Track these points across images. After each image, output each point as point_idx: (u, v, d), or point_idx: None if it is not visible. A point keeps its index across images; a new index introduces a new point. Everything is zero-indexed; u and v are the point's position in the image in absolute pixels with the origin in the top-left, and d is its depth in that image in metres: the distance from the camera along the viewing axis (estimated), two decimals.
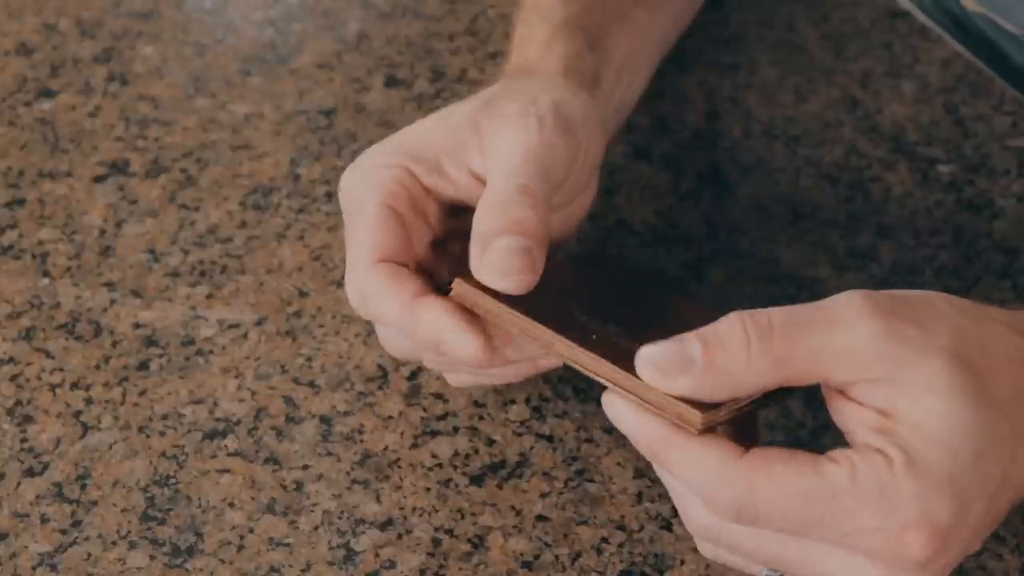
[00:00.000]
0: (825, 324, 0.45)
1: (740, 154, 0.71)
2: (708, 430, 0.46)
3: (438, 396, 0.59)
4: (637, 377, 0.47)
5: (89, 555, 0.53)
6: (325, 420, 0.58)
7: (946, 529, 0.44)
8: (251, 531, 0.54)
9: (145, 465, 0.57)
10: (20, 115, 0.74)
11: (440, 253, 0.55)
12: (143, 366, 0.61)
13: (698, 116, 0.74)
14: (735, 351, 0.45)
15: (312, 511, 0.55)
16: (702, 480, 0.46)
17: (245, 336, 0.62)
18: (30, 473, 0.56)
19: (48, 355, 0.61)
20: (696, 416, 0.46)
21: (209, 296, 0.64)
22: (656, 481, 0.54)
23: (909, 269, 0.65)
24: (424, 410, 0.59)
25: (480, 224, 0.51)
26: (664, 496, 0.54)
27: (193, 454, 0.57)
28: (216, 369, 0.60)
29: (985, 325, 0.47)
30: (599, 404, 0.49)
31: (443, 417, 0.58)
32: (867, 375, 0.45)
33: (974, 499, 0.45)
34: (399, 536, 0.54)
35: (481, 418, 0.58)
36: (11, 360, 0.61)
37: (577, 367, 0.49)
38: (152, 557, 0.53)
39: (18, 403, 0.59)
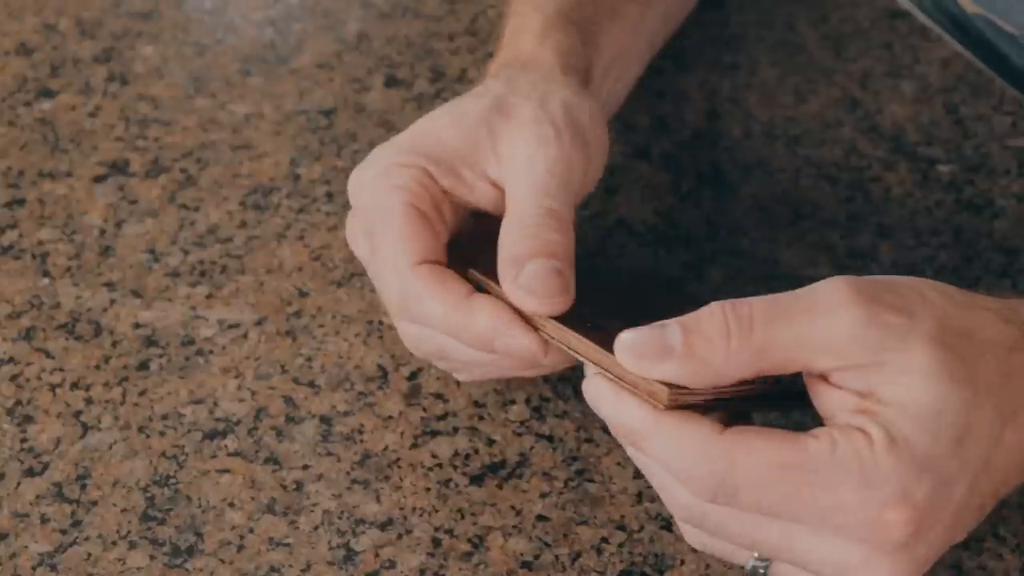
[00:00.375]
0: (806, 313, 0.45)
1: (740, 154, 0.71)
2: (678, 409, 0.46)
3: (438, 396, 0.59)
4: (656, 380, 0.46)
5: (89, 555, 0.53)
6: (325, 420, 0.58)
7: (926, 509, 0.44)
8: (251, 531, 0.54)
9: (145, 465, 0.57)
10: (20, 115, 0.74)
11: (452, 255, 0.55)
12: (143, 366, 0.61)
13: (698, 116, 0.74)
14: (715, 340, 0.45)
15: (312, 511, 0.55)
16: (681, 458, 0.45)
17: (245, 336, 0.62)
18: (30, 473, 0.56)
19: (48, 355, 0.61)
20: (663, 391, 0.46)
21: (209, 296, 0.64)
22: None
23: (909, 269, 0.65)
24: (424, 410, 0.59)
25: (510, 247, 0.51)
26: None
27: (193, 454, 0.57)
28: (216, 369, 0.60)
29: (972, 312, 0.47)
30: None
31: (443, 417, 0.58)
32: (849, 362, 0.45)
33: (955, 481, 0.45)
34: (399, 536, 0.54)
35: (481, 418, 0.58)
36: (11, 360, 0.61)
37: (563, 347, 0.50)
38: (152, 557, 0.53)
39: (18, 403, 0.59)
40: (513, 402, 0.59)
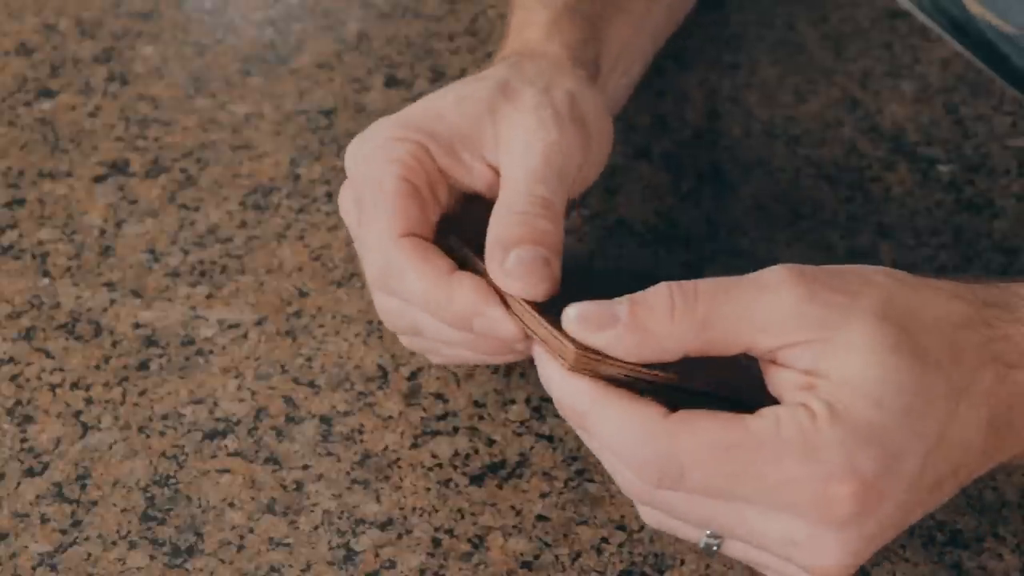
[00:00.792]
0: (750, 292, 0.46)
1: (740, 154, 0.71)
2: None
3: (438, 396, 0.59)
4: (567, 338, 0.47)
5: (89, 555, 0.53)
6: (325, 420, 0.58)
7: (873, 481, 0.44)
8: (251, 531, 0.54)
9: (145, 465, 0.57)
10: (20, 115, 0.74)
11: (444, 232, 0.55)
12: (143, 366, 0.61)
13: (698, 115, 0.74)
14: (659, 312, 0.46)
15: (312, 511, 0.55)
16: (625, 439, 0.45)
17: (245, 336, 0.62)
18: (30, 473, 0.56)
19: (48, 355, 0.61)
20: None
21: (209, 296, 0.64)
22: None
23: (909, 269, 0.64)
24: (424, 410, 0.59)
25: (500, 231, 0.51)
26: None
27: (193, 454, 0.57)
28: (216, 369, 0.60)
29: (920, 291, 0.47)
30: None
31: (443, 417, 0.58)
32: (791, 339, 0.45)
33: (905, 454, 0.44)
34: (399, 536, 0.54)
35: (481, 418, 0.58)
36: (11, 360, 0.61)
37: (522, 323, 0.50)
38: (152, 557, 0.53)
39: (18, 403, 0.59)
40: (513, 402, 0.59)
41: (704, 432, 0.44)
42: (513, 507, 0.55)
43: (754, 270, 0.46)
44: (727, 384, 0.48)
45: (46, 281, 0.65)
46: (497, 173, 0.54)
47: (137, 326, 0.62)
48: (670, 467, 0.45)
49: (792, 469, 0.44)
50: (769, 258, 0.65)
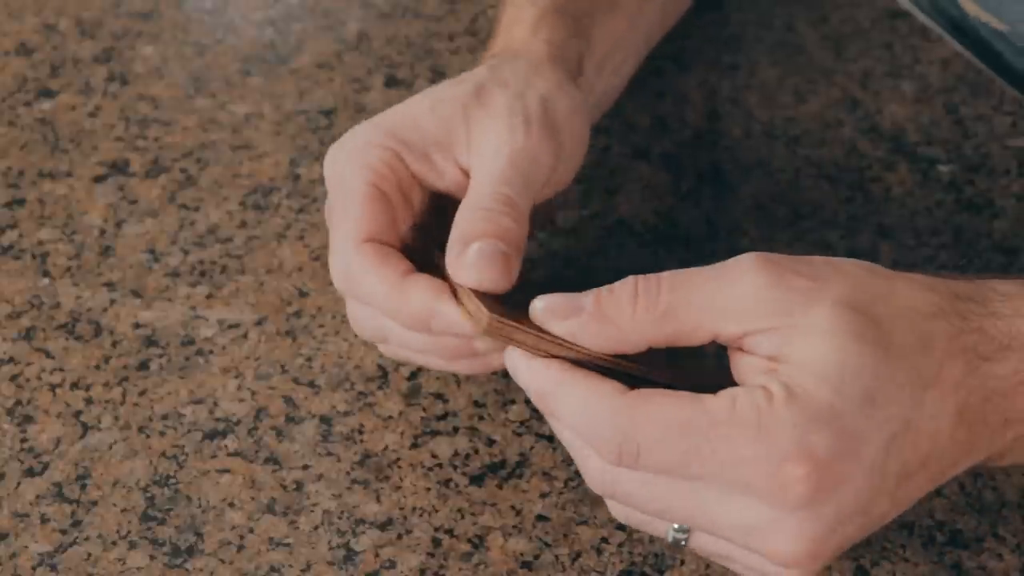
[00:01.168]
0: (714, 280, 0.46)
1: (740, 154, 0.71)
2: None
3: (438, 396, 0.59)
4: (533, 329, 0.48)
5: (89, 555, 0.53)
6: (325, 420, 0.58)
7: (828, 463, 0.43)
8: (251, 531, 0.54)
9: (145, 465, 0.57)
10: (20, 115, 0.74)
11: (421, 238, 0.55)
12: (143, 366, 0.61)
13: (698, 116, 0.74)
14: (622, 301, 0.47)
15: (312, 511, 0.55)
16: (585, 416, 0.46)
17: (245, 336, 0.62)
18: (30, 473, 0.56)
19: (48, 355, 0.61)
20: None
21: (209, 296, 0.64)
22: None
23: (909, 269, 0.64)
24: (424, 410, 0.59)
25: (461, 226, 0.51)
26: None
27: (193, 454, 0.57)
28: (216, 369, 0.60)
29: (891, 281, 0.47)
30: None
31: (443, 417, 0.58)
32: (755, 325, 0.45)
33: (864, 439, 0.44)
34: (399, 536, 0.54)
35: (481, 418, 0.58)
36: (11, 360, 0.61)
37: (466, 311, 0.50)
38: (152, 557, 0.53)
39: (18, 403, 0.59)
40: (513, 402, 0.59)
41: (660, 409, 0.45)
42: (513, 507, 0.55)
43: None
44: (692, 379, 0.48)
45: (46, 281, 0.65)
46: (468, 176, 0.54)
47: (137, 326, 0.62)
48: (627, 443, 0.45)
49: (746, 448, 0.44)
50: None
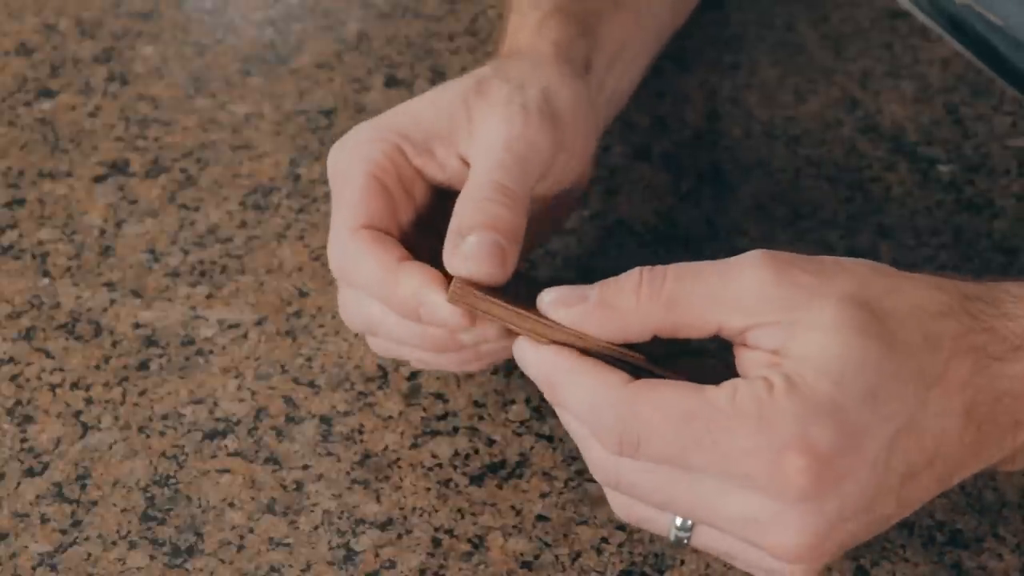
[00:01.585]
0: (719, 274, 0.46)
1: (740, 154, 0.71)
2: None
3: (438, 396, 0.59)
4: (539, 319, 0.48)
5: (89, 555, 0.53)
6: (325, 420, 0.58)
7: (829, 456, 0.43)
8: (251, 531, 0.54)
9: (145, 465, 0.57)
10: (20, 115, 0.74)
11: (425, 232, 0.55)
12: (143, 366, 0.61)
13: (698, 116, 0.74)
14: (627, 290, 0.47)
15: (312, 511, 0.55)
16: (589, 404, 0.46)
17: (245, 336, 0.62)
18: (30, 473, 0.56)
19: (48, 355, 0.61)
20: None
21: (209, 296, 0.64)
22: None
23: (909, 269, 0.64)
24: (424, 410, 0.59)
25: (458, 217, 0.52)
26: None
27: (193, 454, 0.57)
28: (216, 369, 0.60)
29: (898, 279, 0.47)
30: None
31: (443, 417, 0.58)
32: (758, 319, 0.46)
33: (867, 434, 0.44)
34: (399, 536, 0.54)
35: (481, 418, 0.58)
36: (11, 360, 0.61)
37: (489, 317, 0.50)
38: (152, 557, 0.53)
39: (18, 403, 0.59)
40: (513, 402, 0.59)
41: (661, 399, 0.45)
42: (513, 507, 0.55)
43: None
44: (694, 377, 0.48)
45: (46, 281, 0.65)
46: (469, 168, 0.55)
47: (137, 326, 0.62)
48: (629, 432, 0.45)
49: (746, 439, 0.44)
50: None
